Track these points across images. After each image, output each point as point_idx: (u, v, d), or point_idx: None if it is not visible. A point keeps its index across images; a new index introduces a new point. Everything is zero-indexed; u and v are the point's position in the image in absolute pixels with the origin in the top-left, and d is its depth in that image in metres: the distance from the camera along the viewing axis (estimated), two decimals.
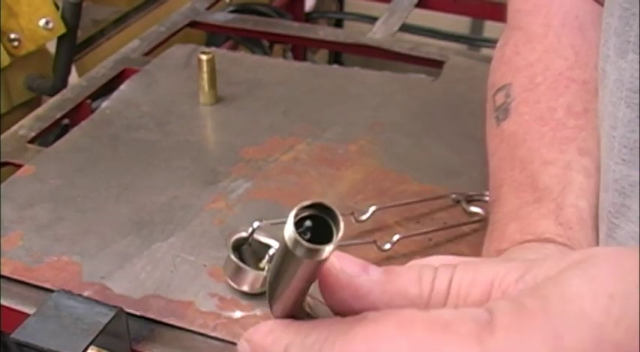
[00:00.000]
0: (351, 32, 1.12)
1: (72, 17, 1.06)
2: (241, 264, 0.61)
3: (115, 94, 0.92)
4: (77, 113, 0.92)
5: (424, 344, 0.28)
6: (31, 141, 0.85)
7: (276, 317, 0.33)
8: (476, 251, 0.57)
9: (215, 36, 1.40)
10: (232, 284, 0.62)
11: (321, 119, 0.87)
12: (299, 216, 0.28)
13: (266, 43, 1.42)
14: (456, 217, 0.71)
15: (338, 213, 0.28)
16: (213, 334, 0.59)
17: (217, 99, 0.90)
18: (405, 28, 1.18)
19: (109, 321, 0.55)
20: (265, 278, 0.60)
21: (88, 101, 0.94)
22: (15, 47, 1.02)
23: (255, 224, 0.62)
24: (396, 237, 0.66)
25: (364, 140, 0.83)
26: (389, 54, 1.03)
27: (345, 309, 0.31)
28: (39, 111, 0.90)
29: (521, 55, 0.57)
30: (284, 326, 0.32)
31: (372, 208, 0.68)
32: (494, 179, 0.55)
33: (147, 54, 1.04)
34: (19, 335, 0.53)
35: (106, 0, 1.31)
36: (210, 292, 0.63)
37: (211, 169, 0.79)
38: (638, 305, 0.26)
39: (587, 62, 0.53)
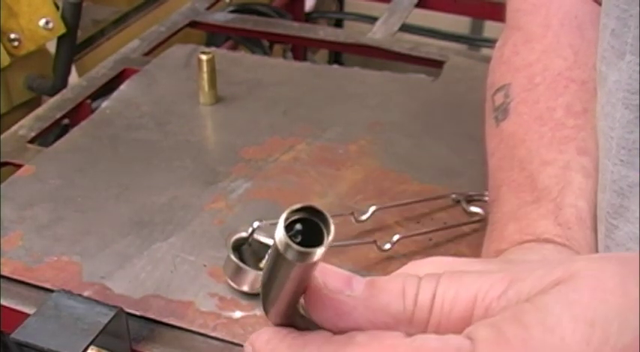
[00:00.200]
0: (351, 32, 1.12)
1: (72, 17, 1.06)
2: (241, 264, 0.61)
3: (115, 94, 0.92)
4: (77, 113, 0.92)
5: None
6: (31, 141, 0.85)
7: (272, 321, 0.33)
8: (476, 251, 0.57)
9: (215, 36, 1.40)
10: (232, 284, 0.62)
11: (321, 119, 0.87)
12: (289, 220, 0.28)
13: (266, 43, 1.42)
14: (456, 217, 0.71)
15: (329, 215, 0.28)
16: (213, 334, 0.59)
17: (217, 99, 0.90)
18: (405, 28, 1.18)
19: (109, 321, 0.55)
20: None
21: (88, 101, 0.94)
22: (15, 47, 1.02)
23: (255, 224, 0.62)
24: (396, 237, 0.66)
25: (364, 140, 0.83)
26: (389, 54, 1.03)
27: (330, 327, 0.32)
28: (39, 111, 0.90)
29: (520, 55, 0.57)
30: (280, 338, 0.33)
31: (372, 208, 0.68)
32: (493, 179, 0.55)
33: (147, 54, 1.04)
34: (19, 335, 0.53)
35: (106, 0, 1.31)
36: (210, 292, 0.63)
37: (211, 169, 0.79)
38: (618, 333, 0.26)
39: (586, 62, 0.53)
